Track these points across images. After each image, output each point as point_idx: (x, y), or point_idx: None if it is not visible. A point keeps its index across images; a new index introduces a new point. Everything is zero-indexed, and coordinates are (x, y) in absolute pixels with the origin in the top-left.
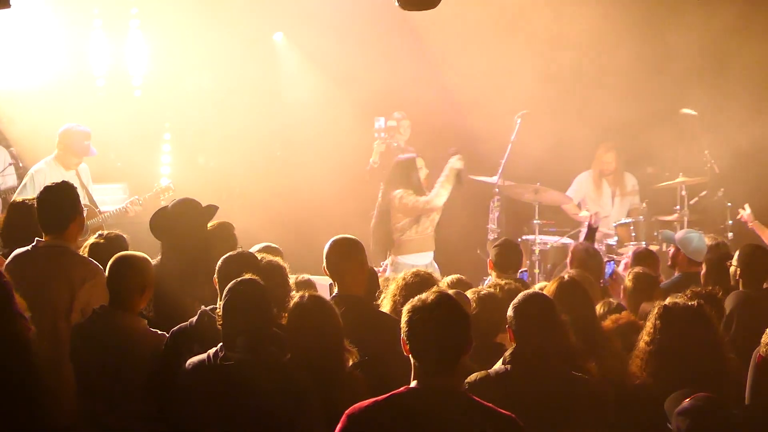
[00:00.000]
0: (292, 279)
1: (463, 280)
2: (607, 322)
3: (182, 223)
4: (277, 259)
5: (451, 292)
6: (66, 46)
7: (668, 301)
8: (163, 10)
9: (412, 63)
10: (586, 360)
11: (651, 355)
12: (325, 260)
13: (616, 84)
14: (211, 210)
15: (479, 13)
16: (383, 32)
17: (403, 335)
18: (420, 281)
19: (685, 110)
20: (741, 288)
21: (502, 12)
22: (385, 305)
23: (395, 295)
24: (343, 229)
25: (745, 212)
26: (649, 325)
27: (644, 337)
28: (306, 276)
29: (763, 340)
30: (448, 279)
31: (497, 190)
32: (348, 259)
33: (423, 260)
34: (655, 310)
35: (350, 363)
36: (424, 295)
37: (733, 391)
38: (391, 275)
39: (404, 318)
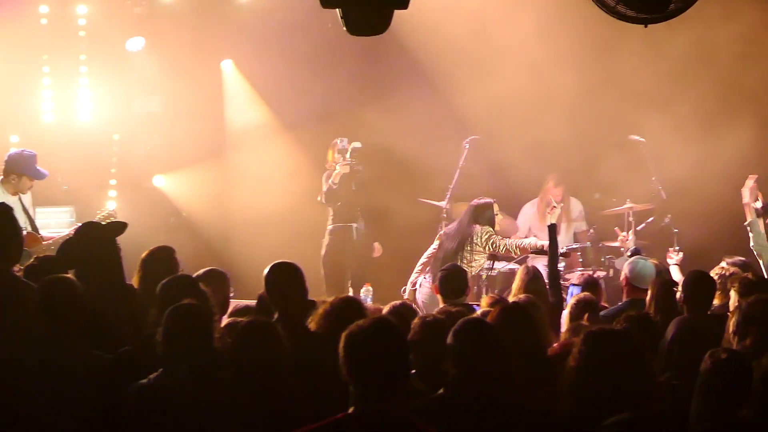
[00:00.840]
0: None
1: (407, 305)
2: (555, 347)
3: (89, 249)
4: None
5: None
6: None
7: (595, 327)
8: (112, 41)
9: (361, 88)
10: (527, 387)
11: (577, 382)
12: (265, 285)
13: (565, 109)
14: (116, 227)
15: (428, 38)
16: (331, 57)
17: (341, 361)
18: (345, 306)
19: (633, 137)
20: (685, 314)
21: (452, 37)
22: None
23: (321, 317)
24: (287, 252)
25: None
26: (575, 352)
27: (571, 364)
28: (247, 302)
29: (702, 366)
30: (391, 305)
31: (445, 215)
32: (288, 283)
33: None
34: (581, 337)
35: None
36: (362, 321)
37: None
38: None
39: (342, 344)
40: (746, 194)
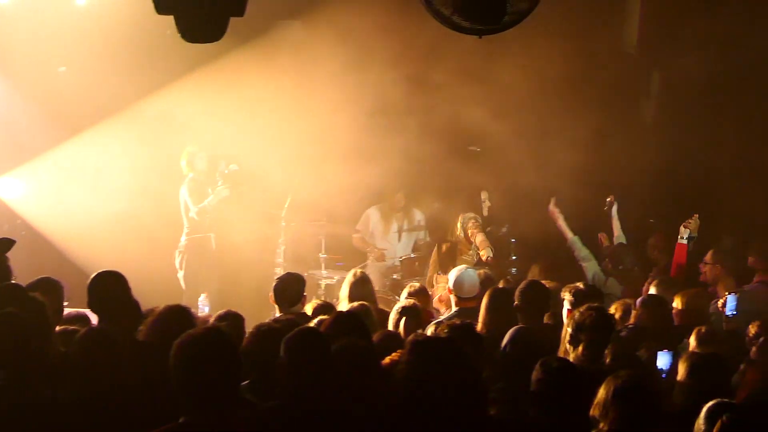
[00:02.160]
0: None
1: (233, 312)
2: (387, 358)
3: None
4: (36, 294)
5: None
6: None
7: (418, 335)
8: None
9: (200, 93)
10: (360, 397)
11: (405, 392)
12: (88, 295)
13: (398, 118)
14: (5, 243)
15: (270, 46)
16: (169, 63)
17: (171, 370)
18: (173, 315)
19: (472, 147)
20: (520, 323)
21: (302, 48)
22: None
23: (148, 327)
24: (133, 257)
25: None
26: (401, 361)
27: (399, 374)
28: (82, 310)
29: (534, 375)
30: (218, 313)
31: (284, 224)
32: (112, 292)
33: None
34: (407, 346)
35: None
36: (193, 330)
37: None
38: None
39: (172, 353)
40: (556, 216)
